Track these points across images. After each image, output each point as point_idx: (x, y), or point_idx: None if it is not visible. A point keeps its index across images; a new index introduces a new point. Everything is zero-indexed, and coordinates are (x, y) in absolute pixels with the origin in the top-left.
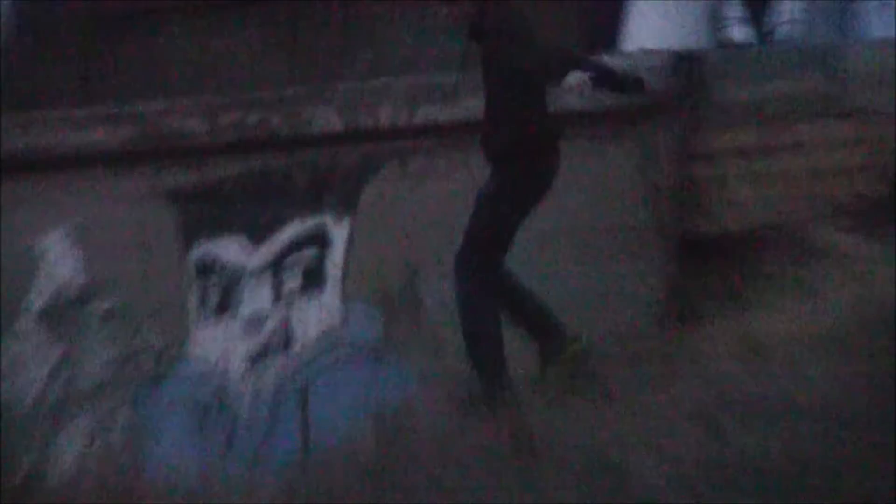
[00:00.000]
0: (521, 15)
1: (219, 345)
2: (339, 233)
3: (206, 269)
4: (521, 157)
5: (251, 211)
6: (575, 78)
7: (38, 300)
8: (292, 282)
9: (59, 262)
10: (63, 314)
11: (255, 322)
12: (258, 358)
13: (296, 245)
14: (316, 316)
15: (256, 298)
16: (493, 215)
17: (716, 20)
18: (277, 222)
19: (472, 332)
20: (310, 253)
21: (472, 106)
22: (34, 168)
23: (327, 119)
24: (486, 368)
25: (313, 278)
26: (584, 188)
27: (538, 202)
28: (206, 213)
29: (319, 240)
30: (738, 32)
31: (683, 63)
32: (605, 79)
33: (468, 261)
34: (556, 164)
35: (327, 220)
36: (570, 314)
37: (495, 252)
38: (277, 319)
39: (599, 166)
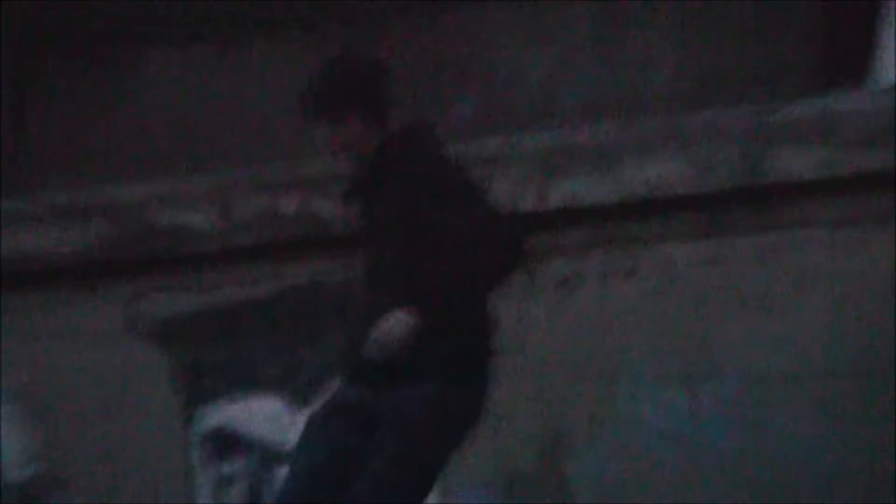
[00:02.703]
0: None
1: None
2: None
3: (221, 448)
4: (465, 371)
5: (290, 352)
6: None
7: None
8: None
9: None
10: None
11: None
12: None
13: None
14: None
15: None
16: (419, 452)
17: None
18: (334, 371)
19: None
20: None
21: (638, 176)
22: None
23: None
24: None
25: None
26: (808, 300)
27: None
28: (219, 356)
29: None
30: None
31: None
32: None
33: None
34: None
35: None
36: (798, 491)
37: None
38: None
39: (834, 267)
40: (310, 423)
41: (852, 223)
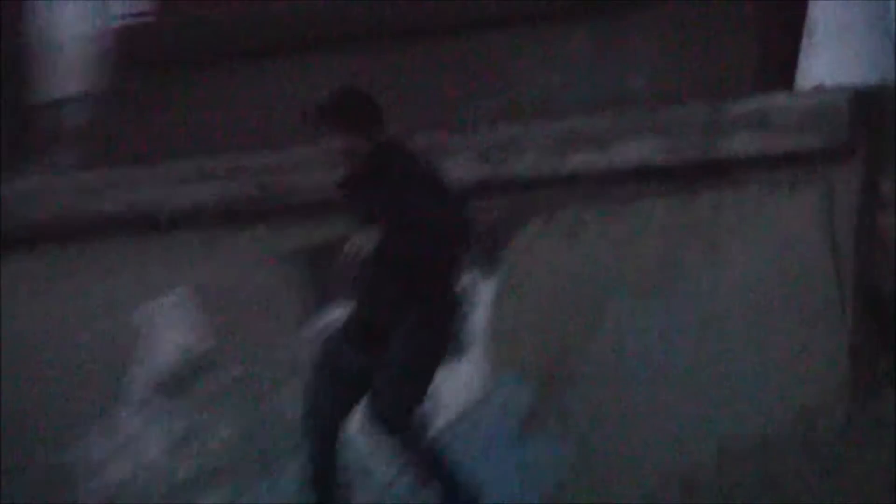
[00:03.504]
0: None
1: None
2: (485, 292)
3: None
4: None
5: None
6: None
7: (150, 372)
8: None
9: (175, 327)
10: (182, 385)
11: None
12: None
13: None
14: (458, 385)
15: None
16: (422, 356)
17: None
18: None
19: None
20: None
21: (625, 153)
22: (139, 229)
23: (465, 168)
24: None
25: (458, 342)
26: (752, 242)
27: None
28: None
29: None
30: None
31: (866, 101)
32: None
33: (405, 424)
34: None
35: (475, 276)
36: (741, 397)
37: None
38: None
39: (771, 219)
40: (319, 375)
41: (783, 188)
